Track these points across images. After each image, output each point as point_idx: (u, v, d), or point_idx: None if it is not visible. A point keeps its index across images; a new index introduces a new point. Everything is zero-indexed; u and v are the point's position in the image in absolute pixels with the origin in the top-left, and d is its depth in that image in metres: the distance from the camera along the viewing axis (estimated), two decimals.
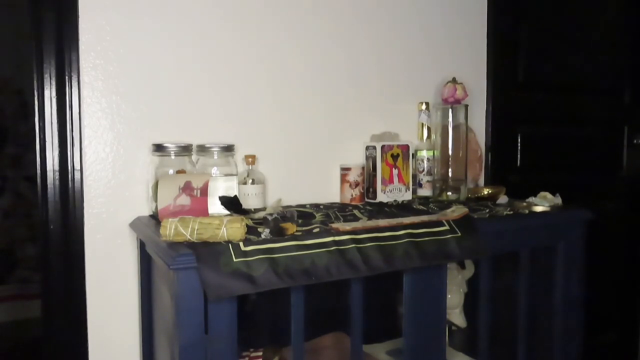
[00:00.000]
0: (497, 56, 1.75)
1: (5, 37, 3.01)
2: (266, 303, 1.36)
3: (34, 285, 2.99)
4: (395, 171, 1.38)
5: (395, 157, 1.38)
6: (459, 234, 1.10)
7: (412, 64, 1.59)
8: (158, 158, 1.21)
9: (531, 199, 1.36)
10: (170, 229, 0.92)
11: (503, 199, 1.41)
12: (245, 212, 1.12)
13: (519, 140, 1.87)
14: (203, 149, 1.23)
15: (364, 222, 1.10)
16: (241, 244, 0.92)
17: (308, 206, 1.33)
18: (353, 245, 0.99)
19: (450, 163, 1.42)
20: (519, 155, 1.87)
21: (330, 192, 1.46)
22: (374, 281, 1.07)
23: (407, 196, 1.40)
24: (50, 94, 1.22)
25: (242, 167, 1.29)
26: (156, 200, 1.08)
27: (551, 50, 1.91)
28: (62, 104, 1.21)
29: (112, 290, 1.25)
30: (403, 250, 1.03)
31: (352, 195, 1.40)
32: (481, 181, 1.72)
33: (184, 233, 0.91)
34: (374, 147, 1.37)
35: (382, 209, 1.27)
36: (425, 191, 1.47)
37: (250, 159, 1.28)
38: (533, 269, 1.28)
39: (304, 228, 1.03)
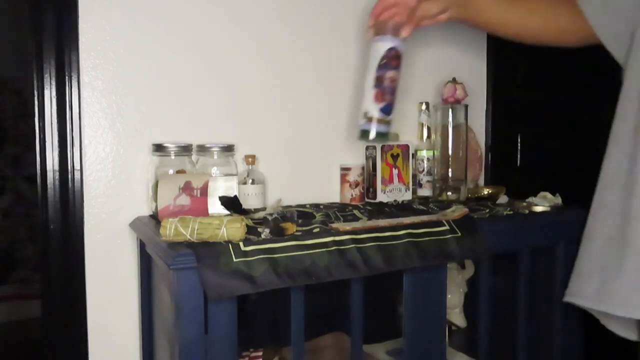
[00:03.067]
0: (497, 56, 1.75)
1: (5, 37, 3.01)
2: (266, 303, 1.36)
3: (34, 285, 2.99)
4: (395, 171, 1.38)
5: (395, 157, 1.38)
6: (459, 234, 1.10)
7: (412, 64, 1.59)
8: (158, 158, 1.21)
9: (531, 199, 1.36)
10: (170, 229, 0.92)
11: (503, 199, 1.41)
12: (245, 212, 1.12)
13: (519, 140, 1.87)
14: (203, 149, 1.23)
15: (364, 222, 1.10)
16: (241, 244, 0.92)
17: (308, 206, 1.33)
18: (353, 245, 0.99)
19: (450, 163, 1.42)
20: (519, 155, 1.87)
21: (330, 192, 1.46)
22: (374, 281, 1.07)
23: (407, 196, 1.40)
24: (50, 94, 1.22)
25: (242, 167, 1.29)
26: (156, 200, 1.08)
27: (551, 50, 1.91)
28: (62, 104, 1.21)
29: (112, 290, 1.25)
30: (403, 250, 1.03)
31: (352, 195, 1.40)
32: (481, 181, 1.72)
33: (184, 233, 0.91)
34: (374, 147, 1.37)
35: (382, 209, 1.27)
36: (425, 191, 1.47)
37: (250, 159, 1.28)
38: (533, 269, 1.28)
39: (304, 228, 1.03)
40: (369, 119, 1.13)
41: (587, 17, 1.13)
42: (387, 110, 1.13)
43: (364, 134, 1.14)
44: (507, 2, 1.23)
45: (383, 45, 1.14)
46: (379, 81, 1.13)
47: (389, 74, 1.13)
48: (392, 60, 1.13)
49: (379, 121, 1.13)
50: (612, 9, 1.11)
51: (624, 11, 1.08)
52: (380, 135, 1.13)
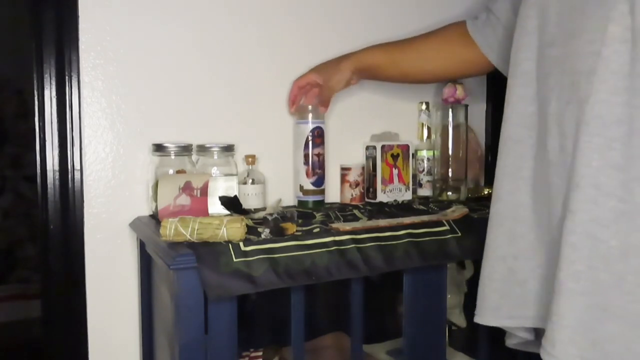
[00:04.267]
0: None
1: (5, 37, 3.01)
2: (266, 303, 1.36)
3: (34, 285, 2.99)
4: (395, 171, 1.38)
5: (395, 157, 1.38)
6: (459, 234, 1.10)
7: None
8: (158, 158, 1.21)
9: None
10: (170, 229, 0.92)
11: None
12: (245, 212, 1.12)
13: None
14: (203, 149, 1.23)
15: (364, 222, 1.10)
16: (241, 244, 0.92)
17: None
18: (353, 245, 0.99)
19: (450, 163, 1.42)
20: None
21: (330, 192, 1.46)
22: (374, 281, 1.07)
23: (407, 196, 1.40)
24: (50, 94, 1.22)
25: (242, 167, 1.29)
26: (156, 200, 1.08)
27: None
28: (62, 104, 1.21)
29: (112, 290, 1.25)
30: (403, 250, 1.03)
31: (352, 195, 1.40)
32: (481, 181, 1.72)
33: (184, 233, 0.91)
34: (374, 147, 1.37)
35: (382, 209, 1.27)
36: (425, 191, 1.47)
37: (250, 159, 1.28)
38: None
39: (304, 228, 1.03)
40: (305, 192, 1.30)
41: (479, 47, 1.18)
42: (318, 183, 1.31)
43: (302, 204, 1.31)
44: (401, 57, 1.29)
45: (307, 128, 1.30)
46: (307, 159, 1.30)
47: (315, 150, 1.30)
48: (317, 138, 1.30)
49: (314, 192, 1.31)
50: (493, 32, 1.14)
51: (504, 31, 1.11)
52: (317, 204, 1.31)
